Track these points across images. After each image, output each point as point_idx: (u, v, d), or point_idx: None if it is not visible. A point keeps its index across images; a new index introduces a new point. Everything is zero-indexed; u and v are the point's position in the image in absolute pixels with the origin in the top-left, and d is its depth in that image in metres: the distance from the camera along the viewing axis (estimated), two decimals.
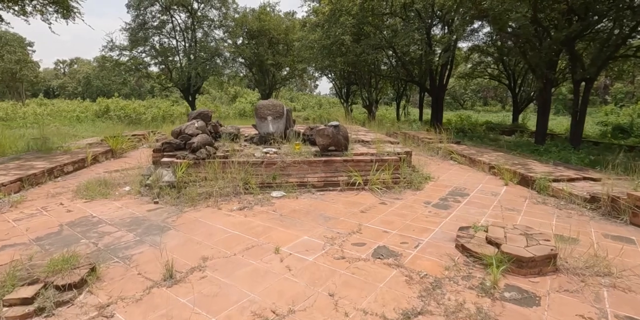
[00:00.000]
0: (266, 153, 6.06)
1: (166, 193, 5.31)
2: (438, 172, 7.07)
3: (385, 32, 15.96)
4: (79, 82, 43.74)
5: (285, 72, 26.90)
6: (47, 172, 6.39)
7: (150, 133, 10.70)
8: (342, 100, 26.34)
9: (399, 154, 6.42)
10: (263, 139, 6.90)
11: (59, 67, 48.94)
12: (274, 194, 5.53)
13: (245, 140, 7.18)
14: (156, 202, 5.15)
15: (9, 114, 23.77)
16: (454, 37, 15.00)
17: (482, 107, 37.83)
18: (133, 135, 10.39)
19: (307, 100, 40.90)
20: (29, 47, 32.99)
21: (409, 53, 16.56)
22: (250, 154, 6.03)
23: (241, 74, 26.38)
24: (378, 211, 4.87)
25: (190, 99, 22.26)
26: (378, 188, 5.78)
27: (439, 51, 16.58)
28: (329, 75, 25.39)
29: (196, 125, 6.32)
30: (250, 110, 26.63)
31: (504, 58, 18.06)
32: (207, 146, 5.85)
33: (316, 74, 28.17)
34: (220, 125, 7.21)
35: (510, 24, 10.34)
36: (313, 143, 6.86)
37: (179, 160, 5.63)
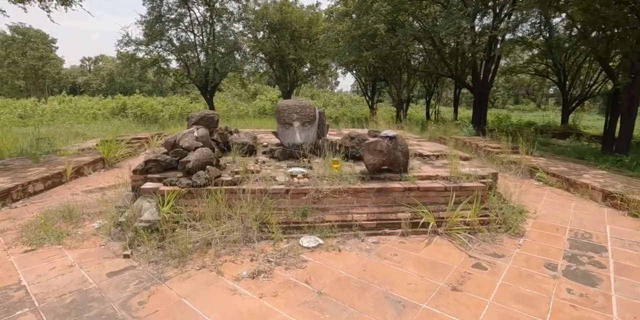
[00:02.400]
0: (293, 176, 4.10)
1: (144, 239, 3.43)
2: (528, 200, 4.94)
3: (422, 21, 13.70)
4: (103, 79, 43.09)
5: (306, 69, 24.92)
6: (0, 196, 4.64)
7: (155, 136, 8.94)
8: (367, 98, 24.15)
9: (483, 178, 4.35)
10: (287, 153, 4.95)
11: (84, 64, 48.54)
12: (305, 241, 3.58)
13: (264, 153, 5.24)
14: (127, 256, 3.29)
15: (28, 112, 22.84)
16: (502, 24, 12.65)
17: (514, 105, 34.80)
18: (134, 138, 8.66)
19: (328, 98, 38.71)
20: (52, 44, 32.17)
21: (449, 44, 14.25)
22: (270, 177, 4.08)
23: (261, 70, 24.55)
24: (480, 287, 2.84)
25: (208, 96, 20.60)
26: (459, 232, 3.75)
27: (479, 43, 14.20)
28: (354, 72, 23.25)
29: (196, 134, 4.42)
30: (271, 109, 24.80)
31: (553, 51, 15.50)
32: (208, 166, 3.94)
33: (339, 71, 26.09)
34: (230, 133, 5.29)
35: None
36: (356, 158, 4.88)
37: (166, 188, 3.75)
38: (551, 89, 36.84)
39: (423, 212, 3.86)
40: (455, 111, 19.02)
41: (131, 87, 39.86)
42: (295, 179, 4.00)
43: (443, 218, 3.91)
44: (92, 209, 4.47)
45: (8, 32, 30.47)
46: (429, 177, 4.32)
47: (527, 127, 15.85)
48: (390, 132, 4.27)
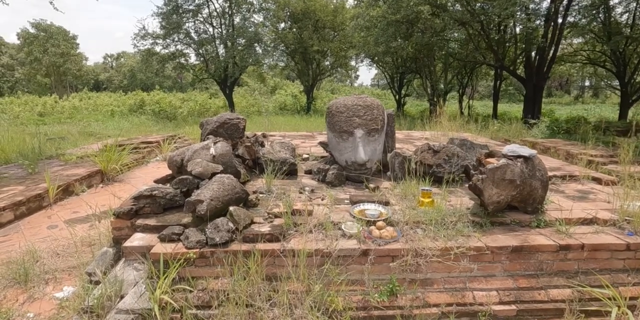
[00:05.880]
0: (369, 221, 2.47)
1: None
2: None
3: (468, 3, 11.68)
4: (125, 76, 42.44)
5: (327, 62, 23.04)
6: None
7: (167, 139, 7.47)
8: (394, 92, 22.20)
9: None
10: (342, 176, 3.32)
11: (107, 61, 48.06)
12: None
13: (308, 173, 3.62)
14: None
15: (48, 109, 22.01)
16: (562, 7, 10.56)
17: (547, 98, 31.95)
18: (143, 142, 7.21)
19: (348, 92, 36.78)
20: (73, 41, 31.35)
21: (498, 29, 12.21)
22: (330, 222, 2.46)
23: (282, 64, 22.88)
24: None
25: (228, 91, 19.16)
26: None
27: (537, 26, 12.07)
28: (380, 64, 21.29)
29: (212, 151, 2.84)
30: (292, 104, 23.20)
31: (612, 37, 13.22)
32: (232, 207, 2.36)
33: (364, 64, 24.16)
34: (261, 144, 3.67)
35: None
36: (441, 181, 3.20)
37: (164, 248, 2.19)
38: (587, 81, 33.75)
39: (598, 288, 2.17)
40: (495, 106, 16.93)
41: (152, 83, 38.99)
42: (374, 230, 2.37)
43: (632, 299, 2.21)
44: (65, 261, 2.98)
45: (31, 30, 29.83)
46: (580, 221, 2.62)
47: (587, 124, 13.71)
48: (523, 149, 2.57)
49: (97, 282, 2.32)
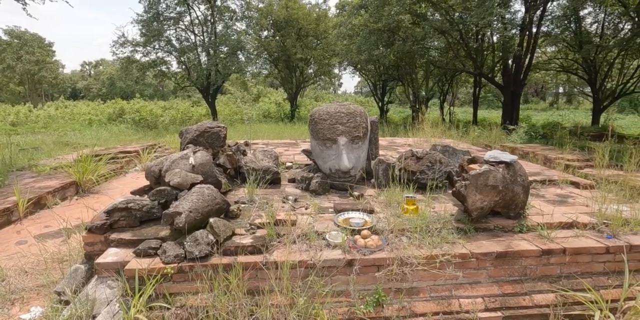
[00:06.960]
0: (354, 230, 2.44)
1: None
2: None
3: (447, 13, 12.03)
4: (104, 84, 41.50)
5: (310, 70, 23.18)
6: None
7: (147, 148, 7.27)
8: (377, 99, 22.48)
9: None
10: (326, 184, 3.28)
11: (85, 69, 46.94)
12: None
13: (291, 182, 3.57)
14: None
15: (21, 118, 21.21)
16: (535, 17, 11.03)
17: (524, 104, 33.05)
18: (121, 152, 7.00)
19: (332, 100, 37.10)
20: (49, 48, 30.49)
21: (476, 38, 12.59)
22: (314, 232, 2.41)
23: (265, 71, 22.85)
24: None
25: (210, 99, 18.96)
26: None
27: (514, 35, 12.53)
28: (363, 71, 21.58)
29: (192, 161, 2.76)
30: (276, 111, 23.15)
31: (583, 46, 13.85)
32: (212, 219, 2.28)
33: (347, 71, 24.47)
34: (243, 153, 3.60)
35: None
36: (425, 188, 3.21)
37: (139, 264, 2.09)
38: (561, 88, 35.19)
39: (581, 292, 2.19)
40: (475, 112, 17.37)
41: (132, 91, 38.25)
42: (359, 239, 2.33)
43: (614, 302, 2.24)
44: (33, 279, 2.81)
45: (4, 37, 28.89)
46: (561, 225, 2.66)
47: (562, 129, 14.21)
48: (504, 155, 2.61)
49: (67, 302, 2.19)
